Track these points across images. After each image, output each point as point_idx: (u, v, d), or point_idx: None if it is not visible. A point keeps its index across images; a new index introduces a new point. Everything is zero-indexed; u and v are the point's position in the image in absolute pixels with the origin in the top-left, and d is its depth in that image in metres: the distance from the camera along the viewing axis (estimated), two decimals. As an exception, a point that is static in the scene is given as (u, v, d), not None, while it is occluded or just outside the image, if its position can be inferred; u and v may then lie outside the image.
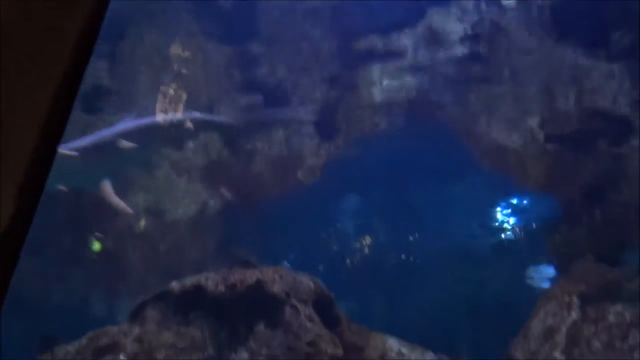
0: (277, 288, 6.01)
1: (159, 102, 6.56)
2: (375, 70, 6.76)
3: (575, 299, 5.90)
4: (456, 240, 12.12)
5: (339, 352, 5.76)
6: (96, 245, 9.66)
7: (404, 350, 5.72)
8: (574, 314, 5.79)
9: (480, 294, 12.13)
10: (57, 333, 6.96)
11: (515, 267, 11.43)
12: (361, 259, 12.89)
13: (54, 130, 0.78)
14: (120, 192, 6.76)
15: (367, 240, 13.14)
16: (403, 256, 13.04)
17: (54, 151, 0.79)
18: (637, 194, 6.17)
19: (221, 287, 6.00)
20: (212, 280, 6.11)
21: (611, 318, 5.53)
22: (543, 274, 11.88)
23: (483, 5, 6.50)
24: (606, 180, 6.28)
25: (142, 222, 7.83)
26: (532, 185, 6.98)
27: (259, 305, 5.97)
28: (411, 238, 12.90)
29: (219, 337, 5.90)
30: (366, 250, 13.11)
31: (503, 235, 11.74)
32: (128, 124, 6.68)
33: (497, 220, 11.34)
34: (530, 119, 6.52)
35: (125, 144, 6.53)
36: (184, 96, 6.95)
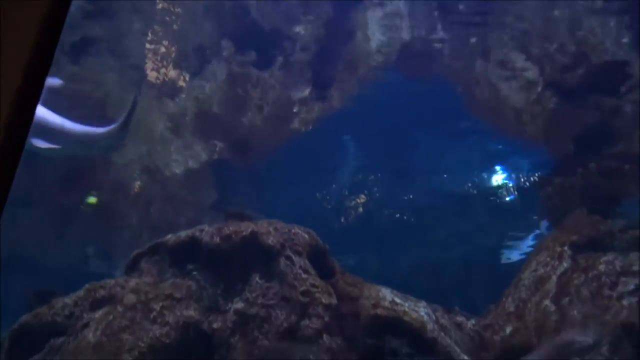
0: (272, 240, 6.04)
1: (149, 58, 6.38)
2: (370, 14, 6.58)
3: (567, 249, 5.97)
4: (451, 195, 12.19)
5: (333, 301, 5.84)
6: (92, 200, 9.66)
7: (397, 299, 5.80)
8: (565, 264, 5.87)
9: (474, 248, 12.33)
10: (55, 288, 7.02)
11: (509, 222, 11.55)
12: (356, 215, 12.98)
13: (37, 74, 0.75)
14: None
15: (362, 198, 13.20)
16: (397, 213, 13.15)
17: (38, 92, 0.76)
18: (633, 145, 6.17)
19: (216, 239, 6.02)
20: (206, 232, 6.12)
21: (601, 267, 5.60)
22: (519, 249, 12.08)
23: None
24: (601, 132, 6.25)
25: (136, 176, 7.79)
26: (528, 137, 6.94)
27: (254, 257, 6.01)
28: (406, 197, 12.97)
29: (214, 288, 5.96)
30: (361, 207, 13.18)
31: (498, 190, 11.81)
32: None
33: (492, 175, 11.37)
34: (527, 70, 6.42)
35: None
36: (174, 52, 6.79)
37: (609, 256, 5.67)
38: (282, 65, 6.96)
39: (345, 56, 6.97)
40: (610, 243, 5.94)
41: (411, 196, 12.59)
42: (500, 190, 11.32)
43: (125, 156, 8.12)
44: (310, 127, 7.60)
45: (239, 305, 5.71)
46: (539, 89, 6.41)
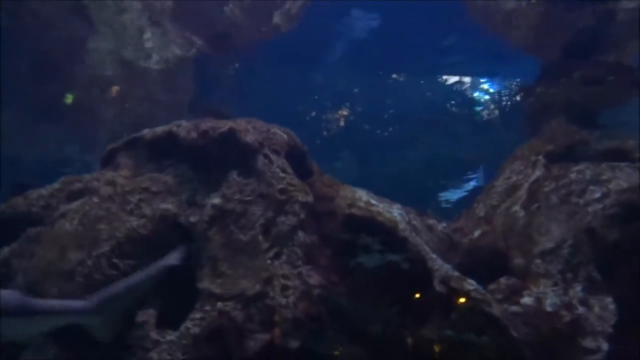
0: (250, 137, 5.98)
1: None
2: None
3: (541, 158, 6.07)
4: (435, 108, 12.16)
5: (310, 199, 5.94)
6: (69, 99, 9.38)
7: (373, 201, 5.91)
8: (538, 172, 5.99)
9: (454, 159, 12.53)
10: (31, 182, 6.97)
11: (491, 134, 11.64)
12: (338, 124, 12.92)
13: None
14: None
15: (344, 111, 13.07)
16: (380, 123, 13.12)
17: None
18: (623, 55, 6.09)
19: (193, 134, 5.94)
20: (184, 128, 6.03)
21: (572, 176, 5.73)
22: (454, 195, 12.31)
23: None
24: (592, 40, 6.13)
25: (111, 71, 7.49)
26: (517, 42, 6.77)
27: (232, 154, 5.99)
28: (391, 111, 12.89)
29: (192, 183, 5.97)
30: (343, 116, 13.09)
31: (481, 100, 11.79)
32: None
33: (478, 87, 11.29)
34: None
35: None
36: None
37: (581, 165, 5.78)
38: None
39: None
40: (585, 153, 6.04)
41: (392, 111, 12.52)
42: (483, 104, 11.32)
43: (99, 49, 7.76)
44: (293, 25, 7.27)
45: (216, 200, 5.76)
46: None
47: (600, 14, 5.95)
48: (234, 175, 5.88)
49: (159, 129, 6.25)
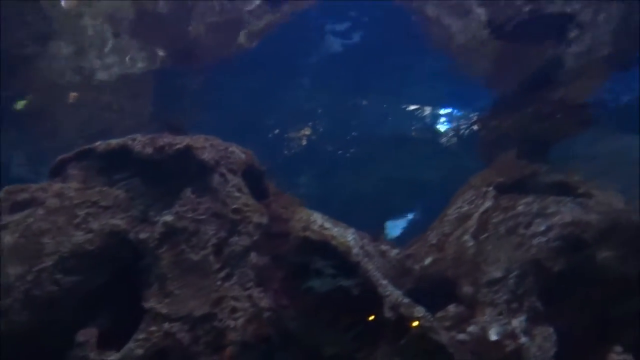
0: (207, 155, 5.92)
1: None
2: None
3: (492, 189, 6.26)
4: (397, 130, 12.36)
5: (264, 220, 5.91)
6: (20, 104, 9.05)
7: (327, 224, 5.93)
8: (488, 203, 6.17)
9: (413, 184, 12.73)
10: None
11: (449, 160, 11.91)
12: (298, 146, 12.95)
13: None
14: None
15: (307, 130, 13.12)
16: (342, 144, 13.22)
17: None
18: (571, 94, 6.40)
19: (149, 149, 5.83)
20: (139, 142, 5.91)
21: (520, 208, 5.93)
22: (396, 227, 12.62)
23: None
24: (543, 79, 6.41)
25: (68, 78, 7.28)
26: (475, 75, 7.02)
27: (187, 171, 5.90)
28: (354, 132, 13.03)
29: (144, 199, 5.84)
30: (306, 136, 13.13)
31: (441, 128, 12.07)
32: None
33: (440, 111, 11.55)
34: (479, 8, 6.39)
35: None
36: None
37: (529, 198, 5.99)
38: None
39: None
40: (533, 185, 6.27)
41: (355, 133, 12.65)
42: (444, 130, 11.58)
43: (57, 55, 7.56)
44: (256, 43, 7.29)
45: (168, 217, 5.65)
46: (489, 29, 6.42)
47: (551, 56, 6.25)
48: (188, 193, 5.79)
49: (113, 142, 6.10)
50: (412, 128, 12.87)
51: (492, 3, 6.34)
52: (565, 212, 5.75)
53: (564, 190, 6.17)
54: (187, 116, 8.46)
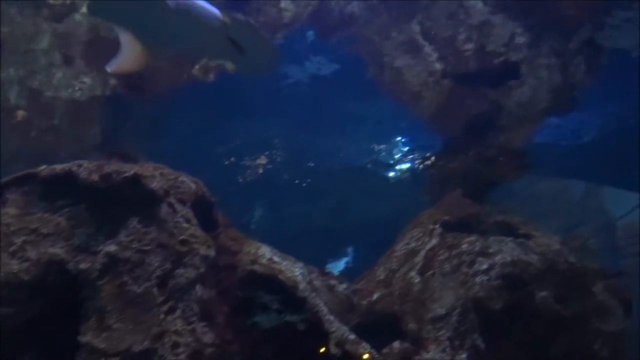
0: (156, 184, 5.82)
1: None
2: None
3: (438, 227, 6.45)
4: (352, 164, 12.57)
5: (212, 253, 5.82)
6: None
7: (276, 258, 5.92)
8: (434, 240, 6.34)
9: (365, 218, 12.89)
10: None
11: (401, 195, 12.16)
12: (254, 174, 12.93)
13: None
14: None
15: (262, 159, 13.13)
16: (297, 176, 13.29)
17: None
18: (511, 139, 6.75)
19: (94, 177, 5.68)
20: (85, 168, 5.75)
21: (464, 246, 6.12)
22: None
23: None
24: (487, 123, 6.74)
25: (14, 97, 7.03)
26: (424, 116, 7.29)
27: (134, 200, 5.77)
28: (310, 163, 13.15)
29: (87, 227, 5.66)
30: (260, 167, 13.14)
31: (395, 165, 12.37)
32: None
33: (392, 149, 11.86)
34: (431, 53, 6.70)
35: None
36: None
37: (473, 237, 6.20)
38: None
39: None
40: (477, 225, 6.50)
41: (311, 164, 12.77)
42: (396, 166, 11.88)
43: (7, 76, 7.32)
44: (213, 76, 7.32)
45: (111, 247, 5.48)
46: (438, 74, 6.73)
47: (494, 103, 6.61)
48: (134, 223, 5.65)
49: (58, 167, 5.91)
50: (367, 161, 13.12)
51: (442, 50, 6.67)
52: (506, 251, 5.98)
53: (505, 230, 6.42)
54: (139, 143, 8.30)
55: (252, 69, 4.82)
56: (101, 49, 6.80)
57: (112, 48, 6.42)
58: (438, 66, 6.68)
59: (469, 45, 6.38)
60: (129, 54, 4.84)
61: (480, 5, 6.48)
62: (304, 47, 8.84)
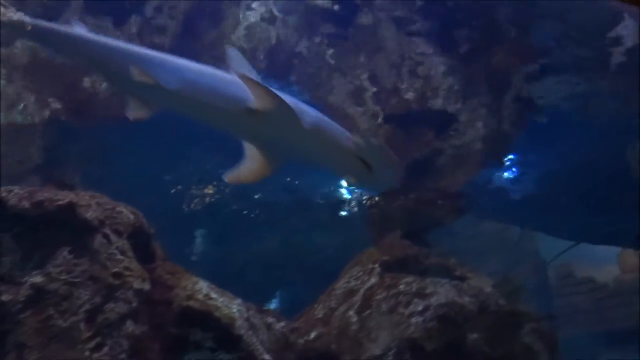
0: (91, 214, 5.64)
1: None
2: (240, 11, 6.57)
3: (377, 267, 6.56)
4: (302, 197, 12.61)
5: (146, 287, 5.66)
6: None
7: (213, 294, 5.82)
8: (373, 280, 6.43)
9: (312, 252, 12.88)
10: None
11: (348, 230, 12.26)
12: (199, 205, 12.72)
13: None
14: None
15: (210, 189, 12.97)
16: (245, 207, 13.18)
17: None
18: (450, 183, 7.04)
19: (25, 204, 5.44)
20: (15, 195, 5.51)
21: (401, 287, 6.24)
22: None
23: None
24: (426, 167, 7.01)
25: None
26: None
27: (67, 229, 5.56)
28: (258, 194, 13.09)
29: (13, 257, 5.38)
30: (207, 197, 12.96)
31: (344, 201, 12.50)
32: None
33: (341, 185, 12.00)
34: (373, 95, 6.98)
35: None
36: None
37: (410, 278, 6.34)
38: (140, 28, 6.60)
39: (210, 39, 6.84)
40: (415, 266, 6.65)
41: (259, 195, 12.72)
42: (340, 202, 12.01)
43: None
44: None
45: (37, 278, 5.23)
46: (379, 119, 6.99)
47: (432, 147, 6.91)
48: (64, 253, 5.42)
49: (-14, 192, 5.63)
50: (316, 195, 13.20)
51: (384, 95, 6.96)
52: (441, 293, 6.14)
53: (442, 271, 6.60)
54: (82, 169, 8.05)
55: (375, 185, 4.93)
56: (42, 73, 6.65)
57: (54, 72, 6.30)
58: (380, 111, 6.94)
59: (410, 93, 6.70)
60: (251, 167, 4.89)
61: (423, 54, 6.83)
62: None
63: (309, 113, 4.51)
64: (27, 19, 4.98)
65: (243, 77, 4.25)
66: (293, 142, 4.47)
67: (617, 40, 6.75)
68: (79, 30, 5.07)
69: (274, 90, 4.24)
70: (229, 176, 5.17)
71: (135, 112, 5.02)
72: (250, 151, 4.94)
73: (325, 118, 4.57)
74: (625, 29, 6.70)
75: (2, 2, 4.71)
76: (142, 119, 4.99)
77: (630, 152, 7.66)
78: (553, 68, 7.49)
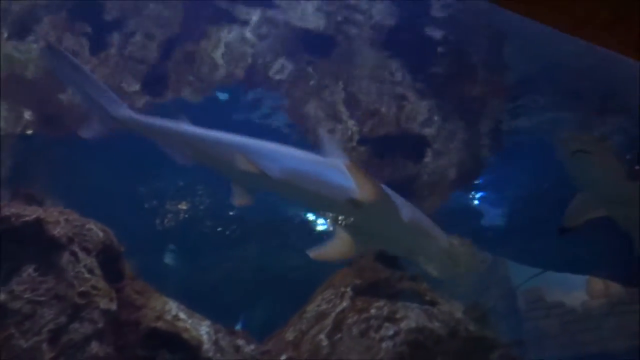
0: (59, 231, 5.53)
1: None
2: (217, 33, 6.60)
3: (349, 290, 6.54)
4: (278, 215, 12.53)
5: (113, 307, 5.54)
6: None
7: (182, 315, 5.73)
8: (345, 303, 6.41)
9: (286, 271, 12.77)
10: None
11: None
12: (173, 221, 12.55)
13: None
14: None
15: (184, 205, 12.82)
16: (219, 224, 13.04)
17: None
18: (423, 208, 7.11)
19: (-10, 219, 5.32)
20: (-19, 209, 5.38)
21: (373, 311, 6.23)
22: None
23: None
24: (401, 191, 7.07)
25: None
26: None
27: (34, 246, 5.44)
28: (233, 212, 12.97)
29: (-25, 273, 5.22)
30: (182, 213, 12.79)
31: (319, 220, 12.45)
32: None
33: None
34: (351, 120, 7.06)
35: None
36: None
37: (381, 302, 6.33)
38: (119, 50, 6.57)
39: (188, 59, 6.85)
40: (386, 290, 6.66)
41: (232, 212, 12.62)
42: (316, 221, 11.98)
43: None
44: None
45: (0, 296, 5.08)
46: (355, 142, 7.06)
47: (408, 171, 6.99)
48: (29, 270, 5.29)
49: (-50, 206, 5.48)
50: (292, 213, 13.16)
51: (361, 118, 7.03)
52: (411, 318, 6.15)
53: (413, 296, 6.62)
54: (55, 183, 7.88)
55: (451, 276, 5.17)
56: (16, 85, 6.54)
57: (28, 84, 6.20)
58: (356, 133, 7.01)
59: (387, 117, 6.79)
60: (338, 248, 4.99)
61: (401, 81, 6.96)
62: (239, 103, 8.98)
63: (407, 206, 4.64)
64: (142, 118, 5.30)
65: (351, 168, 4.30)
66: (390, 233, 4.61)
67: (582, 73, 6.99)
68: (186, 126, 5.45)
69: (378, 182, 4.34)
70: (315, 253, 5.27)
71: (239, 198, 5.16)
72: (340, 233, 5.02)
73: (420, 212, 4.72)
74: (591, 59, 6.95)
75: None
76: (247, 205, 5.08)
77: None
78: (526, 98, 7.71)
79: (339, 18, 6.37)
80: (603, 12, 2.17)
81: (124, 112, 5.51)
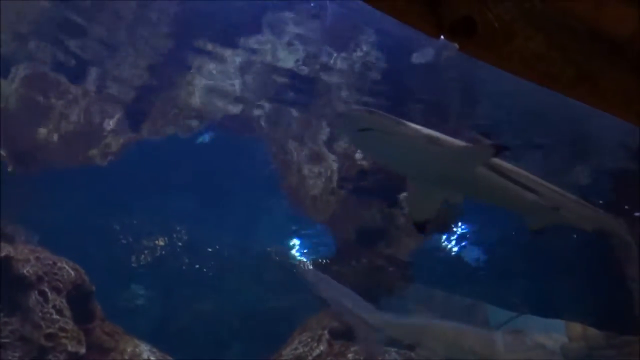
0: (28, 270, 5.38)
1: None
2: (200, 72, 6.64)
3: (326, 333, 6.42)
4: (249, 256, 12.40)
5: (81, 350, 5.34)
6: None
7: (153, 358, 5.54)
8: (322, 347, 6.28)
9: (261, 310, 12.53)
10: None
11: (295, 293, 12.06)
12: (148, 257, 12.33)
13: None
14: None
15: (161, 241, 12.63)
16: (195, 261, 12.84)
17: None
18: (400, 250, 7.12)
19: (-43, 257, 5.15)
20: (-53, 246, 5.22)
21: (350, 356, 6.12)
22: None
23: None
24: (378, 233, 7.07)
25: None
26: (319, 219, 7.51)
27: (1, 286, 5.26)
28: (210, 249, 12.82)
29: (-64, 313, 5.02)
30: (157, 249, 12.59)
31: (296, 259, 12.35)
32: None
33: (289, 246, 11.91)
34: (332, 161, 7.09)
35: None
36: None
37: (358, 347, 6.22)
38: (99, 86, 6.56)
39: (166, 99, 6.85)
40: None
41: (210, 249, 12.47)
42: (293, 260, 11.87)
43: None
44: (110, 159, 7.17)
45: (-39, 338, 4.87)
46: (334, 183, 7.07)
47: (384, 214, 7.00)
48: (-5, 311, 5.10)
49: None
50: (268, 252, 13.02)
51: (342, 160, 7.07)
52: (389, 362, 6.04)
53: (390, 339, 6.52)
54: (30, 219, 7.68)
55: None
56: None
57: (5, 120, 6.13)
58: (335, 176, 7.03)
59: (364, 160, 6.84)
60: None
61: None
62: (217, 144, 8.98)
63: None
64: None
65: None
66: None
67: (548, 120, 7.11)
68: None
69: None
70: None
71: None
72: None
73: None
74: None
75: None
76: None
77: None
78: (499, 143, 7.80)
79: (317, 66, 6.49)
80: (569, 70, 2.27)
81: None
